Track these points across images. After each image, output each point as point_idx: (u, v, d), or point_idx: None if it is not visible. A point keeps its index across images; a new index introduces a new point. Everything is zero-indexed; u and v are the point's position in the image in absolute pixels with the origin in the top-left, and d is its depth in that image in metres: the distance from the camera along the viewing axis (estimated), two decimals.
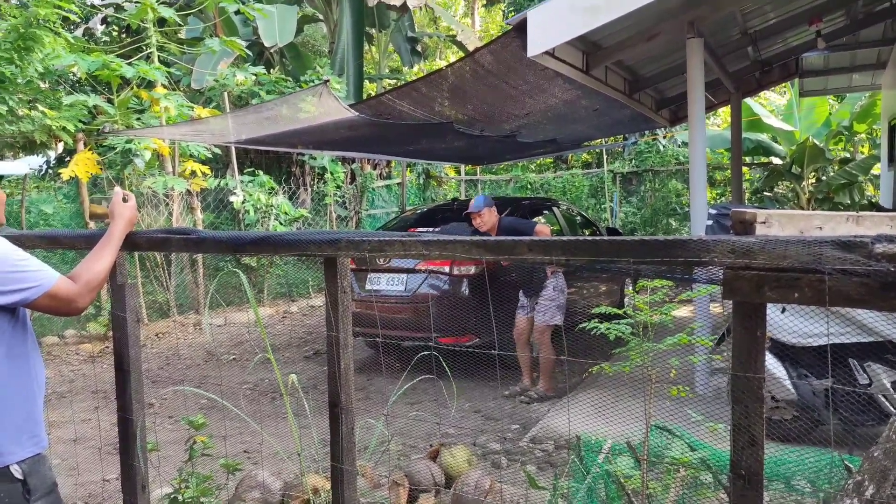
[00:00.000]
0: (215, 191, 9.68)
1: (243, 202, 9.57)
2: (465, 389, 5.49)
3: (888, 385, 3.70)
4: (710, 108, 9.79)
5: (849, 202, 11.12)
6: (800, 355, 3.90)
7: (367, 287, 6.37)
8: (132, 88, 8.43)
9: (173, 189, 8.50)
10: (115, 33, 13.45)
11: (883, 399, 3.70)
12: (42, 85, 8.14)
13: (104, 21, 12.80)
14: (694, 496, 2.46)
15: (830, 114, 12.37)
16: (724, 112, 14.04)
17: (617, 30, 5.26)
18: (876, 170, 10.88)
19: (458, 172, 15.68)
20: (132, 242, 2.33)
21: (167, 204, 8.98)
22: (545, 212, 7.44)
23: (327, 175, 11.39)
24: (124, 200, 2.27)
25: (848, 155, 12.67)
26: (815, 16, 6.87)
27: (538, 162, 15.97)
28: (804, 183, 11.63)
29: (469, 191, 15.39)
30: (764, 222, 1.43)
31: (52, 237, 2.78)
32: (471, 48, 13.31)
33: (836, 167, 11.63)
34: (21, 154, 9.38)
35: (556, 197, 13.40)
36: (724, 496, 2.31)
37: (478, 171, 15.50)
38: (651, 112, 8.36)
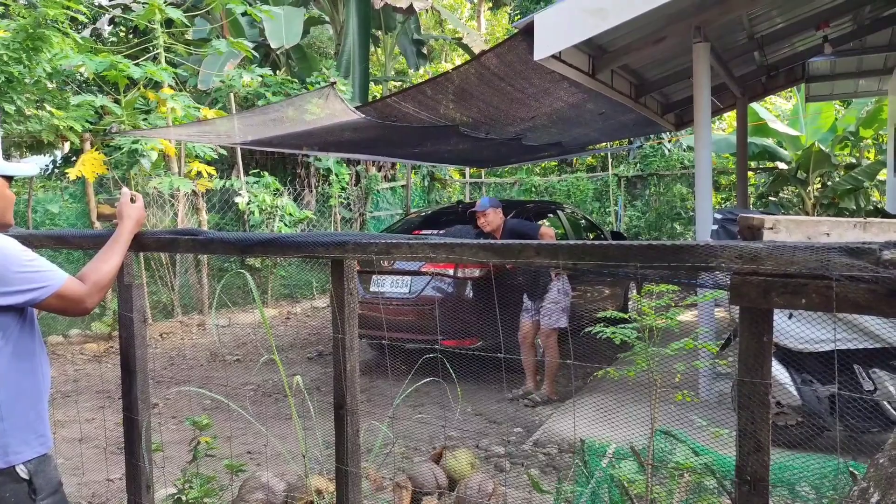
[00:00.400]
0: (221, 191, 9.70)
1: (248, 203, 9.60)
2: (468, 392, 5.49)
3: (893, 391, 3.69)
4: (716, 112, 9.78)
5: (854, 208, 11.09)
6: (804, 361, 3.88)
7: (372, 289, 6.37)
8: (139, 89, 8.47)
9: (179, 190, 8.52)
10: (122, 34, 13.51)
11: (888, 405, 3.69)
12: (50, 85, 8.18)
13: (112, 22, 12.85)
14: (698, 501, 2.45)
15: (836, 119, 12.34)
16: (730, 116, 14.02)
17: (623, 33, 5.27)
18: (882, 175, 10.85)
19: (463, 175, 15.69)
20: (140, 243, 2.33)
21: (172, 204, 9.00)
22: (550, 215, 7.44)
23: (332, 177, 11.41)
24: (132, 201, 2.28)
25: (854, 160, 12.63)
26: (823, 21, 6.87)
27: (543, 165, 15.97)
28: (809, 188, 11.61)
29: (474, 193, 15.40)
30: (771, 228, 1.43)
31: (60, 237, 2.80)
32: (476, 51, 13.33)
33: (842, 172, 11.61)
34: (28, 154, 9.42)
35: (561, 200, 13.39)
36: (729, 501, 2.31)
37: (482, 174, 15.51)
38: (656, 116, 8.35)
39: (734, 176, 11.72)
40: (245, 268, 9.51)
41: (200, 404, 5.49)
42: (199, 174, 8.71)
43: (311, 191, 11.76)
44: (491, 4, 21.00)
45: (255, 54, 10.44)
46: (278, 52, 12.84)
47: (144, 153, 8.04)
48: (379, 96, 13.76)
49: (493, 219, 5.67)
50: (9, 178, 2.04)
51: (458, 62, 15.92)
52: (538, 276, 5.67)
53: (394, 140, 7.15)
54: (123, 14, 11.35)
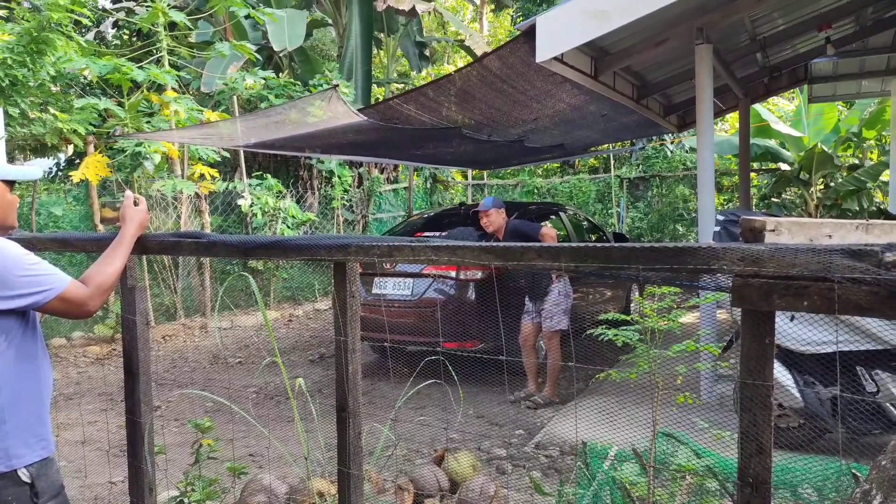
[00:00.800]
0: (223, 194, 9.72)
1: (251, 205, 9.61)
2: (470, 395, 5.49)
3: None
4: (718, 113, 9.78)
5: (857, 209, 11.07)
6: (807, 363, 3.88)
7: (374, 291, 6.38)
8: (142, 92, 8.49)
9: (182, 192, 8.54)
10: (126, 37, 13.54)
11: (890, 407, 3.68)
12: (53, 88, 8.19)
13: (115, 25, 12.89)
14: (698, 503, 2.45)
15: (839, 120, 12.32)
16: (732, 118, 14.01)
17: (625, 36, 5.27)
18: (885, 176, 10.83)
19: (465, 177, 15.70)
20: (143, 246, 2.34)
21: (176, 207, 9.02)
22: (552, 216, 7.44)
23: (335, 179, 11.43)
24: (135, 204, 2.28)
25: (857, 161, 12.61)
26: (825, 22, 6.86)
27: (545, 167, 15.97)
28: (812, 189, 11.59)
29: (476, 195, 15.40)
30: (773, 230, 1.43)
31: (64, 240, 2.80)
32: (479, 53, 13.35)
33: (845, 174, 11.58)
34: (32, 156, 9.44)
35: (563, 202, 13.39)
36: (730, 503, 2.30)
37: (485, 176, 15.51)
38: (659, 117, 8.35)
39: (737, 177, 11.70)
40: (247, 270, 9.52)
41: (202, 407, 5.49)
42: (201, 177, 8.72)
43: (314, 193, 11.77)
44: (493, 6, 21.02)
45: (258, 57, 10.47)
46: (281, 55, 12.87)
47: (148, 156, 8.06)
48: (381, 98, 13.79)
49: (495, 219, 5.69)
50: (10, 182, 2.05)
51: (461, 64, 15.95)
52: (539, 278, 5.67)
53: (396, 142, 7.16)
54: (127, 17, 11.38)
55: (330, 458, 2.81)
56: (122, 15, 11.72)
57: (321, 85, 10.96)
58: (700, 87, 5.31)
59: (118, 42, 13.36)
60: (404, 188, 13.36)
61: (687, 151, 13.82)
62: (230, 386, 6.23)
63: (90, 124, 7.99)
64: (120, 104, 8.23)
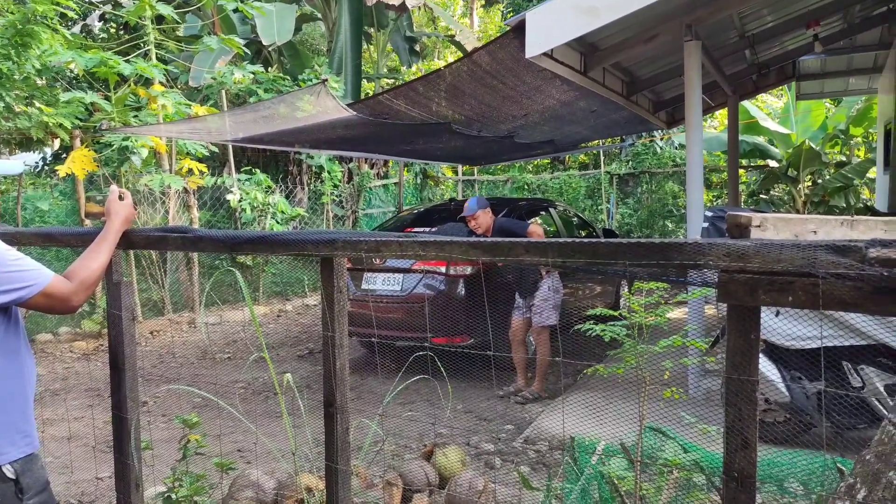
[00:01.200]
0: (212, 189, 9.66)
1: (240, 200, 9.56)
2: (459, 390, 5.49)
3: (881, 388, 3.72)
4: (708, 110, 9.82)
5: (844, 205, 11.16)
6: (793, 358, 3.91)
7: (363, 287, 6.37)
8: (130, 86, 8.41)
9: (170, 187, 8.48)
10: (112, 30, 13.42)
11: (876, 402, 3.72)
12: (39, 81, 8.11)
13: (102, 18, 12.77)
14: (686, 498, 2.46)
15: (827, 117, 12.41)
16: (721, 114, 14.07)
17: (615, 32, 5.28)
18: (872, 173, 10.93)
19: (456, 172, 15.69)
20: (129, 241, 2.32)
21: (164, 202, 8.96)
22: (542, 213, 7.45)
23: (324, 174, 11.38)
24: (120, 198, 2.26)
25: (844, 158, 12.71)
26: (813, 19, 6.90)
27: (535, 163, 15.98)
28: (800, 186, 11.67)
29: (466, 191, 15.39)
30: (759, 226, 1.43)
31: (48, 234, 2.78)
32: (469, 48, 13.32)
33: (832, 170, 11.67)
34: (17, 151, 9.35)
35: (553, 198, 13.41)
36: (717, 498, 2.32)
37: (475, 172, 15.50)
38: (648, 114, 8.38)
39: (726, 174, 11.76)
40: (236, 265, 9.48)
41: (190, 402, 5.47)
42: (190, 171, 8.67)
43: (304, 188, 11.72)
44: (483, 2, 21.00)
45: (247, 51, 10.38)
46: (270, 49, 12.80)
47: (135, 150, 7.99)
48: (371, 93, 13.73)
49: (482, 220, 5.67)
50: None
51: (451, 60, 15.91)
52: (529, 274, 5.68)
53: (386, 137, 7.14)
54: (114, 10, 11.27)
55: (318, 453, 2.80)
56: (108, 8, 11.61)
57: (310, 79, 10.91)
58: (689, 84, 5.33)
59: (105, 35, 13.24)
60: (394, 184, 13.33)
61: (676, 148, 13.88)
62: (218, 381, 6.21)
63: (76, 118, 7.91)
64: (107, 98, 8.16)
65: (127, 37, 10.03)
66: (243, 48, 9.38)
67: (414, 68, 17.05)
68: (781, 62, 8.94)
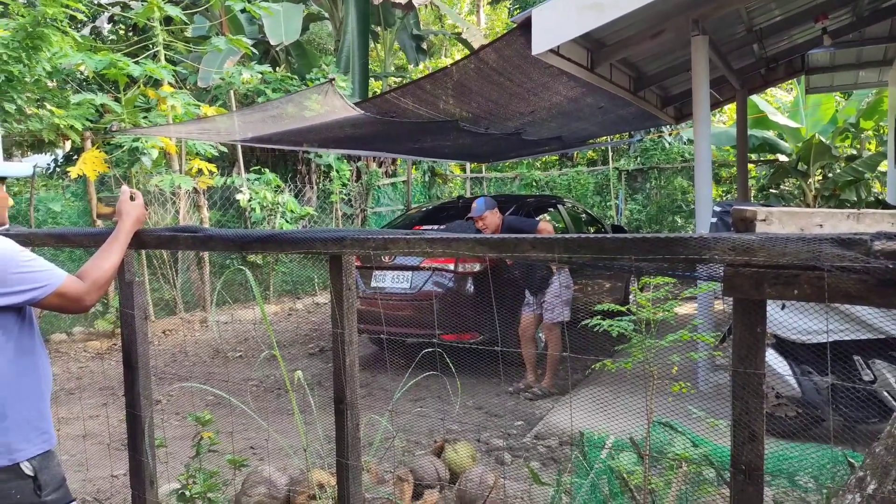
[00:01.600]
0: (221, 189, 9.72)
1: (249, 200, 9.61)
2: (469, 386, 5.51)
3: (893, 382, 3.70)
4: (716, 105, 9.77)
5: (855, 199, 11.09)
6: (803, 352, 3.90)
7: (372, 284, 6.39)
8: (139, 87, 8.47)
9: (180, 187, 8.54)
10: (121, 32, 13.50)
11: (887, 396, 3.71)
12: (50, 84, 8.18)
13: (111, 20, 12.85)
14: (696, 492, 2.47)
15: (837, 111, 12.32)
16: (730, 109, 14.02)
17: (622, 27, 5.26)
18: (883, 167, 10.84)
19: (464, 170, 15.69)
20: (140, 240, 2.35)
21: (174, 202, 9.02)
22: (550, 209, 7.44)
23: (333, 173, 11.42)
24: (131, 199, 2.29)
25: (854, 152, 12.62)
26: (821, 13, 6.85)
27: (543, 159, 15.95)
28: (810, 180, 11.60)
29: (474, 188, 15.39)
30: (764, 220, 1.44)
31: (61, 235, 2.81)
32: (476, 46, 13.32)
33: (843, 164, 11.60)
34: (29, 153, 9.44)
35: (562, 194, 13.39)
36: (727, 492, 2.32)
37: (483, 169, 15.50)
38: (656, 109, 8.35)
39: (735, 168, 11.71)
40: (246, 264, 9.53)
41: (203, 400, 5.52)
42: (199, 172, 8.72)
43: (312, 187, 11.77)
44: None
45: (255, 51, 10.43)
46: (278, 49, 12.84)
47: (145, 151, 8.06)
48: (379, 92, 13.76)
49: (490, 221, 5.61)
50: (2, 179, 2.06)
51: (458, 57, 15.91)
52: (539, 271, 5.68)
53: (394, 136, 7.16)
54: (123, 12, 11.35)
55: (330, 449, 2.83)
56: (117, 10, 11.69)
57: (318, 79, 10.94)
58: (696, 79, 5.31)
59: (114, 37, 13.33)
60: (403, 182, 13.36)
61: (685, 143, 13.83)
62: (230, 379, 6.25)
63: (87, 120, 7.98)
64: (117, 99, 8.22)
65: (136, 38, 10.10)
66: (251, 48, 9.43)
67: (421, 66, 17.06)
68: (790, 56, 8.88)
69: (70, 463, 4.26)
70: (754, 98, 11.19)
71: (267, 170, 10.37)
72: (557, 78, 5.79)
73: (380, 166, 12.94)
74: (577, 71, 5.48)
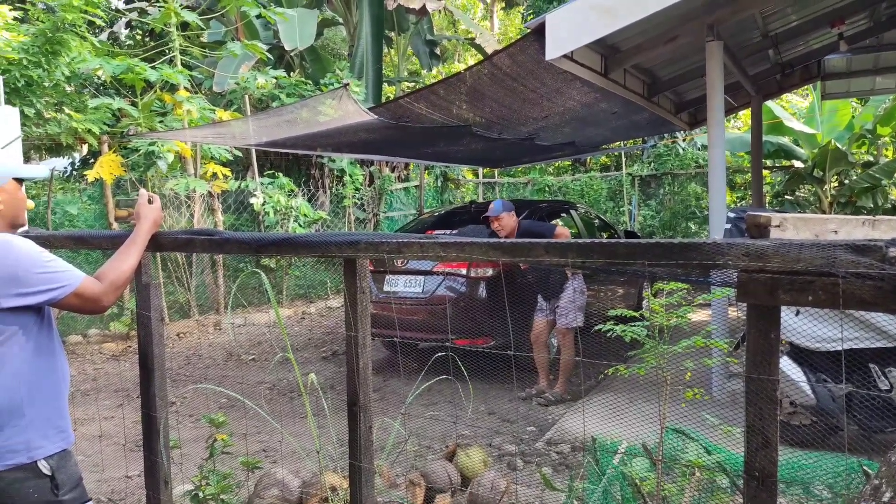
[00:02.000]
0: (236, 193, 9.79)
1: (263, 204, 9.68)
2: (481, 391, 5.51)
3: None
4: (730, 110, 9.72)
5: (872, 206, 10.97)
6: (819, 360, 3.87)
7: (385, 289, 6.41)
8: (155, 91, 8.57)
9: (195, 191, 8.62)
10: (139, 37, 13.66)
11: None
12: (68, 88, 8.29)
13: (128, 25, 13.01)
14: (709, 499, 2.46)
15: (853, 117, 12.21)
16: (745, 114, 13.90)
17: (636, 33, 5.26)
18: None
19: (476, 175, 15.70)
20: (157, 243, 2.38)
21: (189, 206, 9.10)
22: (563, 215, 7.44)
23: (346, 177, 11.47)
24: (149, 202, 2.32)
25: (871, 158, 12.49)
26: (837, 18, 6.80)
27: (556, 165, 15.94)
28: (826, 187, 11.50)
29: (487, 193, 15.40)
30: (778, 226, 1.44)
31: (79, 238, 2.85)
32: (489, 51, 13.34)
33: (859, 171, 11.48)
34: (47, 156, 9.56)
35: (574, 200, 13.37)
36: (740, 499, 2.31)
37: (495, 174, 15.51)
38: (670, 115, 8.32)
39: (749, 175, 11.63)
40: (260, 268, 9.58)
41: (217, 402, 5.55)
42: (214, 175, 8.80)
43: (325, 191, 11.82)
44: (504, 4, 20.99)
45: (270, 56, 10.52)
46: (292, 54, 12.93)
47: (161, 155, 8.14)
48: (392, 97, 13.81)
49: (507, 222, 5.61)
50: (20, 180, 2.09)
51: (471, 62, 15.94)
52: (552, 276, 5.67)
53: (407, 141, 7.18)
54: (140, 17, 11.48)
55: (342, 452, 2.84)
56: (134, 15, 11.83)
57: (332, 84, 11.01)
58: (711, 85, 5.29)
59: (131, 42, 13.49)
60: (415, 187, 13.39)
61: (699, 149, 13.75)
62: (244, 382, 6.29)
63: (104, 124, 8.08)
64: (133, 104, 8.32)
65: (153, 43, 10.22)
66: (266, 53, 9.51)
67: (434, 71, 17.12)
68: (806, 61, 8.82)
69: (86, 463, 4.30)
70: (769, 104, 11.12)
71: (280, 174, 10.44)
72: (571, 83, 5.79)
73: (392, 171, 12.98)
74: (591, 76, 5.47)
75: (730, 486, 2.47)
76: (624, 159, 14.50)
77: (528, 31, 4.82)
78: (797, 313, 3.69)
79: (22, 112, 7.29)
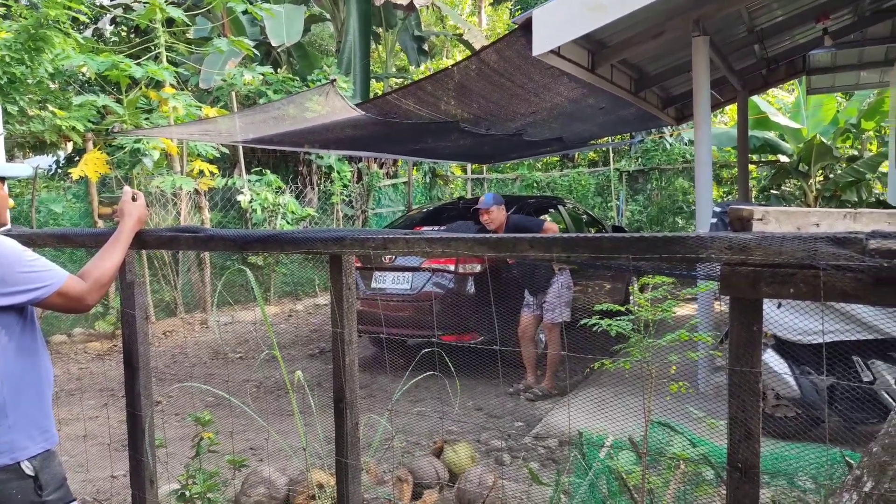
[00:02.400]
0: (223, 190, 9.73)
1: (251, 201, 9.63)
2: (469, 387, 5.52)
3: (892, 382, 3.70)
4: (717, 105, 9.76)
5: (856, 200, 11.08)
6: (804, 353, 3.90)
7: (373, 285, 6.40)
8: (141, 88, 8.49)
9: (181, 188, 8.56)
10: (123, 33, 13.54)
11: (886, 396, 3.71)
12: (52, 85, 8.20)
13: (113, 21, 12.88)
14: (694, 491, 2.47)
15: (838, 111, 12.31)
16: (732, 110, 14.00)
17: (622, 28, 5.27)
18: (884, 167, 10.82)
19: (465, 171, 15.70)
20: (141, 241, 2.36)
21: (175, 203, 9.04)
22: (551, 210, 7.45)
23: (334, 174, 11.44)
24: (133, 199, 2.30)
25: (856, 153, 12.61)
26: (822, 13, 6.85)
27: (544, 160, 15.96)
28: (811, 181, 11.60)
29: (475, 189, 15.40)
30: (761, 219, 1.45)
31: (63, 236, 2.82)
32: (477, 47, 13.33)
33: (844, 165, 11.59)
34: (31, 154, 9.46)
35: (563, 195, 13.39)
36: (725, 491, 2.33)
37: (484, 170, 15.51)
38: (657, 110, 8.35)
39: (736, 169, 11.70)
40: (247, 265, 9.54)
41: (203, 401, 5.52)
42: (201, 173, 8.74)
43: (313, 188, 11.78)
44: (492, 0, 20.98)
45: (257, 52, 10.45)
46: (279, 50, 12.86)
47: (147, 152, 8.08)
48: (380, 93, 13.77)
49: (496, 216, 5.63)
50: (3, 179, 2.07)
51: (459, 58, 15.92)
52: (539, 271, 5.68)
53: (395, 137, 7.17)
54: (125, 14, 11.38)
55: (329, 450, 2.84)
56: (119, 11, 11.72)
57: (319, 80, 10.96)
58: (697, 80, 5.31)
59: (116, 39, 13.37)
60: (403, 183, 13.37)
61: (686, 144, 13.82)
62: (230, 380, 6.26)
63: (89, 121, 8.00)
64: (118, 101, 8.24)
65: (138, 40, 10.13)
66: (253, 50, 9.45)
67: (422, 67, 17.08)
68: (791, 56, 8.87)
69: (70, 463, 4.27)
70: (755, 99, 11.19)
71: (268, 171, 10.39)
72: (558, 79, 5.79)
73: (381, 167, 12.95)
74: (578, 72, 5.48)
75: (715, 479, 2.48)
76: (611, 155, 14.54)
77: (516, 26, 4.82)
78: (779, 306, 3.72)
79: (4, 109, 7.21)
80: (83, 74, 8.92)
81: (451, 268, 6.05)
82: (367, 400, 5.51)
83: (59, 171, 11.10)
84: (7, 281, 1.85)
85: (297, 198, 10.74)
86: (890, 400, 3.68)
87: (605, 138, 12.38)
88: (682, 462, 2.47)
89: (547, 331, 5.72)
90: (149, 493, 2.60)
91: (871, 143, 13.13)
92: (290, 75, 11.42)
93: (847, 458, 2.46)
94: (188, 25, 9.83)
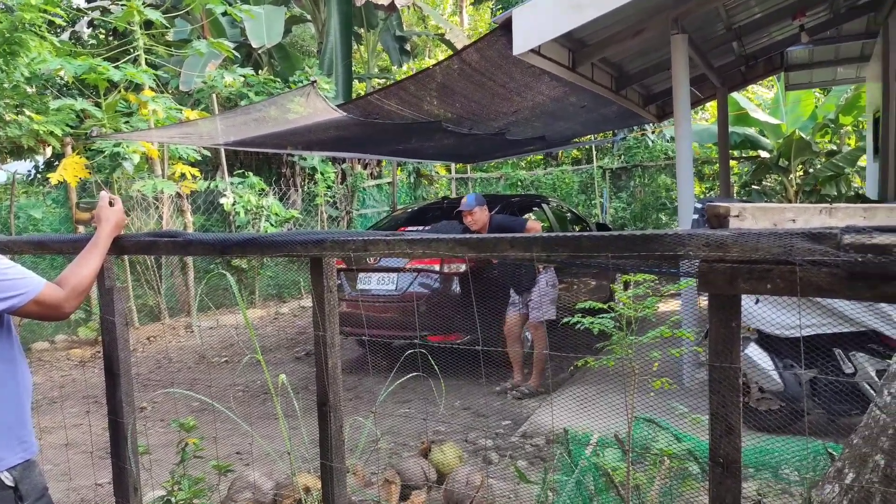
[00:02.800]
0: (205, 193, 9.66)
1: (234, 204, 9.56)
2: (456, 387, 5.52)
3: (873, 374, 3.75)
4: (697, 102, 9.84)
5: (836, 194, 11.21)
6: (786, 347, 3.95)
7: (358, 287, 6.38)
8: (120, 92, 8.41)
9: (163, 192, 8.48)
10: (101, 36, 13.40)
11: (867, 388, 3.75)
12: (29, 89, 8.10)
13: (91, 24, 12.74)
14: (678, 486, 2.49)
15: (816, 107, 12.45)
16: (712, 106, 14.11)
17: (602, 27, 5.30)
18: (862, 161, 10.98)
19: (449, 171, 15.71)
20: (120, 246, 2.33)
21: (157, 207, 8.96)
22: (535, 209, 7.47)
23: (318, 175, 11.39)
24: (111, 204, 2.28)
25: (834, 147, 12.77)
26: (799, 10, 6.93)
27: (528, 159, 16.01)
28: (791, 176, 11.72)
29: (460, 189, 15.41)
30: (738, 216, 1.46)
31: (40, 242, 2.78)
32: (459, 46, 13.32)
33: (823, 160, 11.73)
34: (9, 159, 9.33)
35: (546, 194, 13.44)
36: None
37: (468, 169, 15.53)
38: (638, 108, 8.40)
39: (717, 165, 11.81)
40: (231, 269, 9.48)
41: (188, 406, 5.48)
42: (182, 176, 8.67)
43: (297, 190, 11.73)
44: (473, 0, 20.99)
45: (237, 54, 10.39)
46: (260, 52, 12.79)
47: (127, 156, 7.99)
48: (363, 94, 13.73)
49: (479, 217, 5.64)
50: None
51: (442, 58, 15.93)
52: (524, 270, 5.69)
53: (378, 137, 7.15)
54: (102, 16, 11.25)
55: (315, 454, 2.83)
56: (97, 14, 11.59)
57: (301, 81, 10.91)
58: (676, 77, 5.35)
59: (94, 42, 13.22)
60: (388, 183, 13.35)
61: (668, 141, 13.92)
62: (215, 385, 6.22)
63: (67, 125, 7.90)
64: (97, 104, 8.15)
65: (116, 43, 10.03)
66: (233, 51, 9.39)
67: (405, 68, 17.06)
68: (769, 53, 8.97)
69: (53, 472, 4.22)
70: (735, 95, 11.29)
71: (251, 173, 10.33)
72: (539, 78, 5.81)
73: (365, 168, 12.92)
74: (559, 70, 5.50)
75: (700, 473, 2.50)
76: (594, 152, 14.61)
77: (497, 25, 4.83)
78: (756, 301, 3.76)
79: None
80: (61, 78, 8.82)
81: (436, 268, 6.05)
82: (354, 402, 5.49)
83: (38, 176, 10.98)
84: None
85: (280, 200, 10.69)
86: (871, 391, 3.73)
87: (588, 136, 12.42)
88: (666, 458, 2.49)
89: (533, 329, 5.74)
90: (133, 500, 2.58)
91: (849, 138, 13.30)
92: (272, 77, 11.37)
93: (829, 450, 2.49)
94: (167, 27, 9.74)
